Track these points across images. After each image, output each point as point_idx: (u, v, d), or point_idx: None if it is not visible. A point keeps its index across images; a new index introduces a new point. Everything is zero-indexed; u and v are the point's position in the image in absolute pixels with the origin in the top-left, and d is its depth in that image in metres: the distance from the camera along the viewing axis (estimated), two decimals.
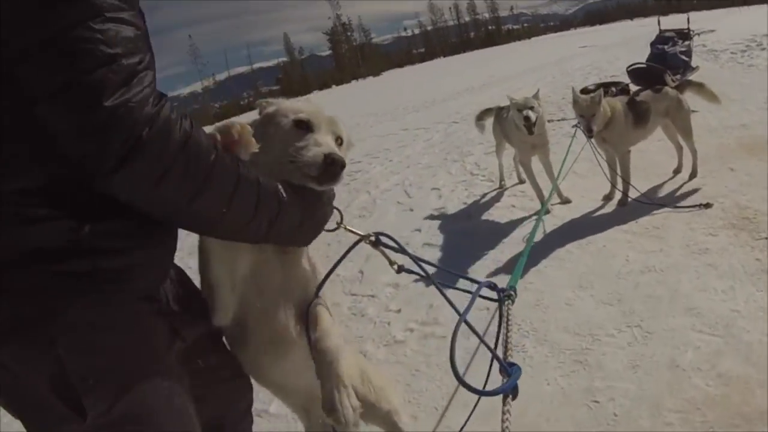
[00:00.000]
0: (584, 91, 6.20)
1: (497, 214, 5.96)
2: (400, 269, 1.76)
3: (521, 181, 6.68)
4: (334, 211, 1.68)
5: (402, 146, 11.16)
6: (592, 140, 5.31)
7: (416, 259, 1.79)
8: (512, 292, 1.80)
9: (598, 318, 3.61)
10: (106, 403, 1.24)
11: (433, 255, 5.21)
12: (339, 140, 1.62)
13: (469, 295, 1.73)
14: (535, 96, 5.54)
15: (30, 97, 1.06)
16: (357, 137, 8.42)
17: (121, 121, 1.07)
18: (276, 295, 1.63)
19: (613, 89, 7.86)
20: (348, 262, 5.57)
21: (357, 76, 61.33)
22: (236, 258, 1.54)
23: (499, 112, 6.50)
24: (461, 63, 45.64)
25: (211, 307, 1.61)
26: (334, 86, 58.92)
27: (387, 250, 1.78)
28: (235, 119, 1.38)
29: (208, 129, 1.31)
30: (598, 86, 6.95)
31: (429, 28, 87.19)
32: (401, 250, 1.79)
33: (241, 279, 1.58)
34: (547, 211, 5.25)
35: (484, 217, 6.01)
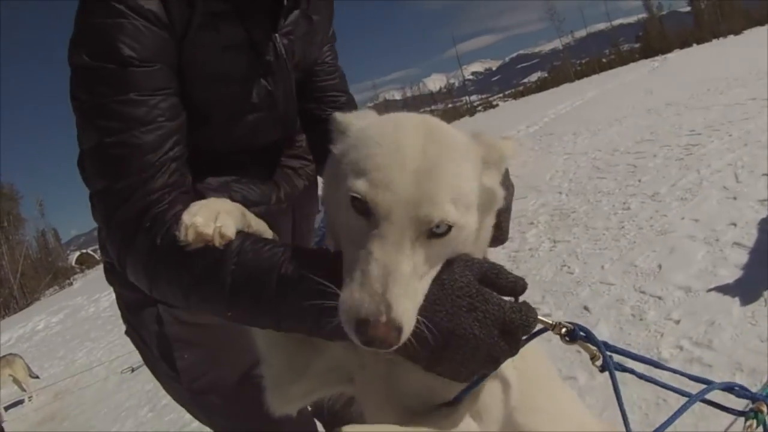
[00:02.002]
0: None
1: None
2: (604, 368, 1.20)
3: None
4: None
5: (745, 119, 9.95)
6: None
7: (609, 363, 1.19)
8: (765, 407, 1.22)
9: None
10: (193, 375, 1.69)
11: (739, 258, 4.65)
12: (437, 226, 1.00)
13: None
14: None
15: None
16: (702, 105, 8.23)
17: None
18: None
19: None
20: (650, 252, 5.68)
21: (717, 34, 56.66)
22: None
23: None
24: None
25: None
26: (694, 44, 55.15)
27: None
28: (222, 224, 1.14)
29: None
30: None
31: None
32: (596, 344, 1.20)
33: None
34: None
35: None
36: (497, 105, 71.11)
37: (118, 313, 1.82)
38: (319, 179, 1.79)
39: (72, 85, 1.36)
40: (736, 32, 54.17)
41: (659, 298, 4.44)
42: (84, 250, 70.66)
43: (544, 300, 5.04)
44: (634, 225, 6.26)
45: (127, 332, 1.84)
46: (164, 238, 1.20)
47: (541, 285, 5.36)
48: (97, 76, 1.30)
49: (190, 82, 1.46)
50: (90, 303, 21.47)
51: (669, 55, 50.43)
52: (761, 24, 54.37)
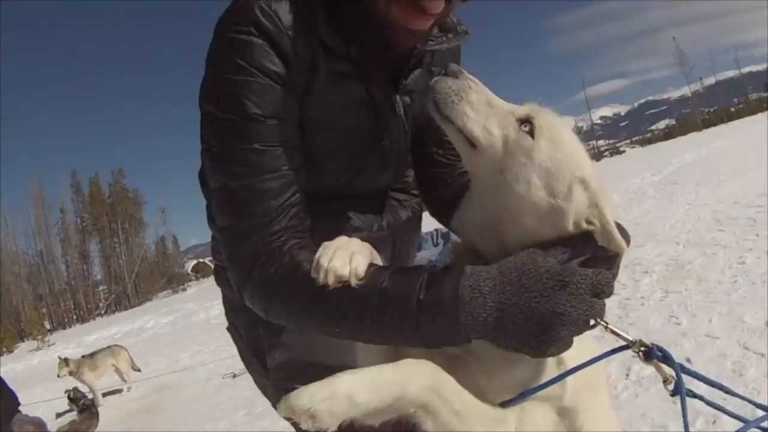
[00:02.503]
0: None
1: None
2: (675, 392, 1.25)
3: None
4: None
5: None
6: None
7: (682, 387, 1.24)
8: None
9: None
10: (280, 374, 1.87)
11: None
12: None
13: None
14: None
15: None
16: None
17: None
18: None
19: None
20: (760, 308, 5.59)
21: None
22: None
23: None
24: None
25: None
26: None
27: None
28: (354, 266, 1.24)
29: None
30: None
31: None
32: (672, 365, 1.24)
33: None
34: None
35: None
36: (624, 151, 69.52)
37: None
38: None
39: (202, 129, 1.54)
40: None
41: (762, 355, 4.50)
42: (201, 260, 71.69)
43: None
44: (747, 280, 6.34)
45: (228, 329, 2.11)
46: (277, 269, 1.37)
47: (647, 334, 5.36)
48: (225, 126, 1.47)
49: (310, 134, 1.59)
50: (201, 309, 22.08)
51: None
52: None
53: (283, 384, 1.79)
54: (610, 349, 1.27)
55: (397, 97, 1.71)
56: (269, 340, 1.84)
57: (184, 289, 50.36)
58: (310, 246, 1.37)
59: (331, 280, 1.21)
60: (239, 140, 1.45)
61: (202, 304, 23.06)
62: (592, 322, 1.16)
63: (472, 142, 1.29)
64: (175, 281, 58.12)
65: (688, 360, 4.69)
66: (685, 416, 1.23)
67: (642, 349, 1.23)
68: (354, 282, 1.22)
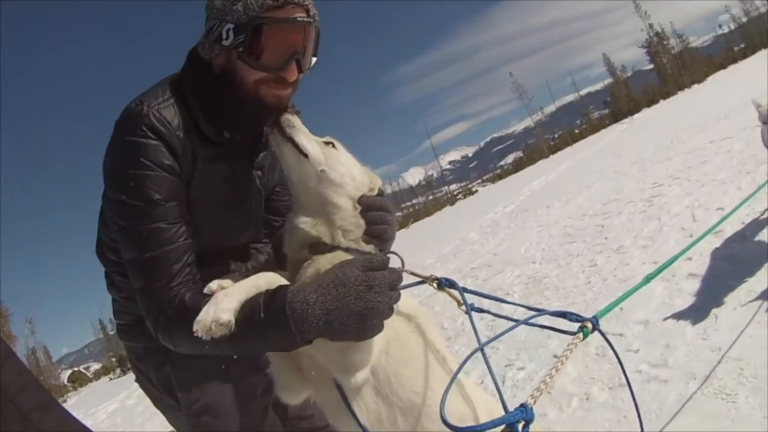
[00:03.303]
0: None
1: None
2: (468, 309, 1.82)
3: None
4: (396, 257, 1.91)
5: (703, 162, 10.82)
6: None
7: (470, 308, 1.83)
8: (589, 324, 1.79)
9: None
10: (191, 400, 2.21)
11: (692, 288, 5.17)
12: None
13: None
14: None
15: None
16: (665, 156, 9.03)
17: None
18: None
19: None
20: (613, 298, 5.82)
21: (681, 85, 58.31)
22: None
23: None
24: None
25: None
26: (661, 100, 56.81)
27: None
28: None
29: None
30: None
31: (744, 19, 79.52)
32: (459, 291, 1.87)
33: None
34: None
35: (758, 238, 5.71)
36: (476, 191, 72.10)
37: (116, 422, 2.39)
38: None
39: (114, 214, 1.95)
40: (700, 80, 55.90)
41: (620, 335, 4.87)
42: (75, 368, 69.51)
43: (519, 356, 5.44)
44: (599, 278, 6.78)
45: (137, 380, 2.42)
46: (175, 313, 1.79)
47: (516, 345, 5.73)
48: (134, 210, 1.87)
49: (194, 209, 2.03)
50: (87, 416, 21.15)
51: (636, 116, 52.00)
52: (724, 67, 56.54)
53: (194, 409, 2.22)
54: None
55: (254, 171, 2.25)
56: (174, 375, 2.21)
57: (65, 401, 47.30)
58: (199, 291, 1.77)
59: (201, 333, 1.58)
60: (147, 221, 1.86)
61: (87, 411, 22.15)
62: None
63: (304, 153, 1.88)
64: (54, 393, 53.94)
65: (555, 356, 5.00)
66: (474, 328, 1.70)
67: (435, 282, 1.91)
68: (218, 332, 1.58)
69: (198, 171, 2.01)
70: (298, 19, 1.92)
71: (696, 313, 4.63)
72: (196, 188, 2.02)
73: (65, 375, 69.90)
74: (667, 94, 59.66)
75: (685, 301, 4.96)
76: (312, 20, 1.95)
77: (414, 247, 20.32)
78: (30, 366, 60.63)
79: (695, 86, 53.57)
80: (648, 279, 2.39)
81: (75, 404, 34.29)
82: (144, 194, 1.85)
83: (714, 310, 4.51)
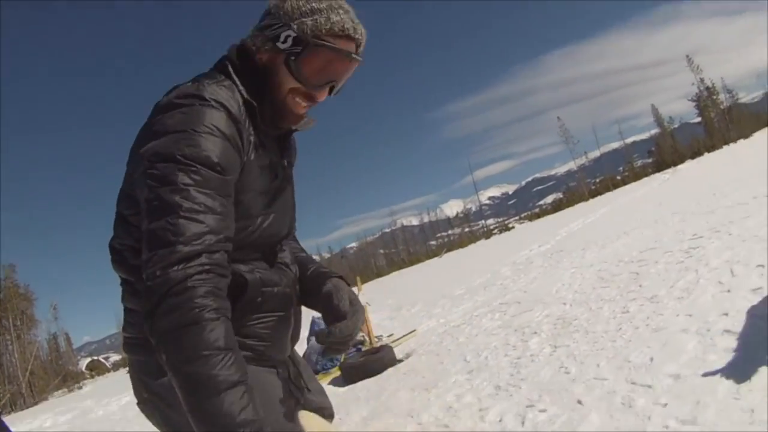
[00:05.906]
0: None
1: None
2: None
3: None
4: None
5: (746, 217, 10.44)
6: None
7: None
8: None
9: None
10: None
11: (728, 344, 4.92)
12: None
13: None
14: None
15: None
16: (707, 208, 8.93)
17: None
18: None
19: None
20: (645, 347, 5.91)
21: (727, 140, 58.15)
22: None
23: None
24: None
25: None
26: (706, 153, 56.49)
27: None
28: None
29: None
30: None
31: None
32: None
33: None
34: None
35: None
36: (513, 227, 71.88)
37: (128, 416, 2.23)
38: None
39: (155, 180, 1.70)
40: (746, 136, 55.54)
41: (649, 386, 4.68)
42: (95, 357, 70.58)
43: (541, 398, 5.25)
44: (631, 326, 6.56)
45: (140, 403, 2.08)
46: (182, 315, 1.58)
47: (538, 385, 5.57)
48: (187, 170, 1.69)
49: (244, 191, 1.92)
50: (99, 406, 21.78)
51: (680, 167, 51.59)
52: None
53: None
54: None
55: (285, 161, 2.21)
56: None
57: (80, 388, 49.33)
58: (219, 288, 1.66)
59: None
60: (198, 184, 1.70)
61: (99, 401, 22.65)
62: None
63: None
64: (70, 379, 56.54)
65: (580, 402, 4.82)
66: None
67: None
68: None
69: (251, 153, 1.95)
70: (352, 55, 2.00)
71: (730, 371, 4.41)
72: (243, 173, 1.93)
73: (84, 363, 71.25)
74: (712, 147, 59.25)
75: (719, 358, 4.74)
76: (359, 58, 2.03)
77: (445, 278, 20.23)
78: (49, 351, 62.22)
79: (741, 141, 53.05)
80: None
81: (89, 392, 35.02)
82: (202, 155, 1.71)
83: (749, 370, 4.31)
